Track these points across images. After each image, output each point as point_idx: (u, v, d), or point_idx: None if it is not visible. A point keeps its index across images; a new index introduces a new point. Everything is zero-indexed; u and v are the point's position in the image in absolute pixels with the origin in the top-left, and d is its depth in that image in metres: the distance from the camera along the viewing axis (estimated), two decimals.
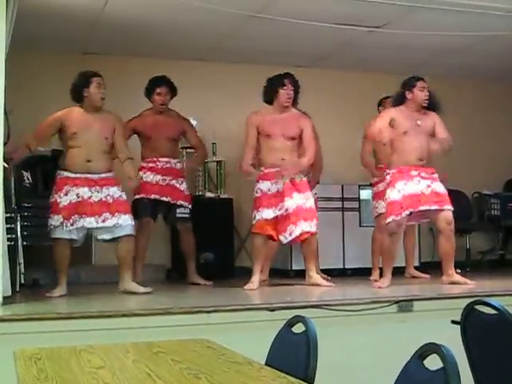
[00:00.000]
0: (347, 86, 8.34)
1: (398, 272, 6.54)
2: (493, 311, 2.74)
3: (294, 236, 6.01)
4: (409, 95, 6.12)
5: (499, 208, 8.61)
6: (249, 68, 8.04)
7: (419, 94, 6.09)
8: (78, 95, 5.75)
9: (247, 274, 6.20)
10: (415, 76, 6.19)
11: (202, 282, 6.50)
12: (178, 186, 6.57)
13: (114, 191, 5.69)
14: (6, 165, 5.18)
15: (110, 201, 5.63)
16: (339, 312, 4.74)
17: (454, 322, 3.11)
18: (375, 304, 4.90)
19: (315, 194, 6.92)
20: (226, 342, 2.68)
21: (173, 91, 6.60)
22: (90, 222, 5.55)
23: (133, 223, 5.74)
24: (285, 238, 6.04)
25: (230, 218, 7.64)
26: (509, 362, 2.67)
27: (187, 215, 6.62)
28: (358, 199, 7.80)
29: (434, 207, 5.98)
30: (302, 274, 6.52)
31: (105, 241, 5.75)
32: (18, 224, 5.91)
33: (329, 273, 7.03)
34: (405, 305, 4.96)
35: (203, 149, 6.86)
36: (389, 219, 6.00)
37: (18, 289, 5.54)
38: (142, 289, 5.65)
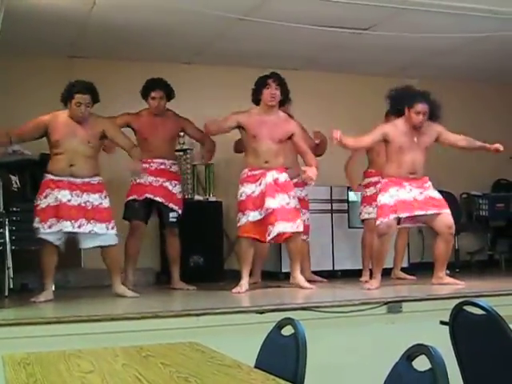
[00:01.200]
0: (336, 88, 8.36)
1: (386, 273, 6.54)
2: (481, 311, 2.75)
3: (272, 236, 5.98)
4: (407, 113, 6.07)
5: (487, 208, 8.65)
6: (237, 71, 8.03)
7: (414, 118, 6.03)
8: (64, 102, 5.72)
9: (237, 277, 6.19)
10: (417, 94, 6.11)
11: (185, 287, 6.41)
12: (170, 188, 6.46)
13: (95, 198, 5.65)
14: None
15: (89, 207, 5.59)
16: (328, 314, 4.75)
17: (442, 322, 3.12)
18: (364, 305, 4.92)
19: (306, 195, 6.95)
20: (215, 344, 2.68)
21: (169, 94, 6.52)
22: (66, 225, 5.50)
23: (113, 232, 5.69)
24: (264, 238, 6.04)
25: (220, 221, 7.63)
26: (497, 362, 2.68)
27: (178, 219, 6.52)
28: (347, 201, 7.81)
29: (430, 211, 6.01)
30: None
31: (87, 249, 5.80)
32: (7, 228, 5.89)
33: (319, 275, 7.03)
34: (394, 306, 4.98)
35: (209, 139, 6.62)
36: (378, 221, 6.03)
37: (6, 293, 5.52)
38: (130, 293, 5.70)
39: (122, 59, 7.59)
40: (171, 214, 6.48)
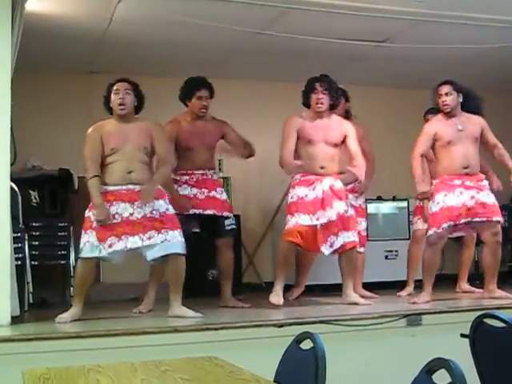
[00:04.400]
0: (355, 101, 8.34)
1: (416, 286, 6.45)
2: (502, 324, 2.73)
3: (335, 247, 5.67)
4: (437, 102, 5.98)
5: (507, 220, 8.57)
6: (255, 84, 8.06)
7: (438, 101, 5.94)
8: (108, 107, 5.36)
9: (255, 290, 6.17)
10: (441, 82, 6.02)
11: (239, 305, 5.90)
12: (218, 196, 5.95)
13: (160, 204, 5.16)
14: (13, 185, 5.20)
15: (156, 216, 5.10)
16: (348, 327, 4.72)
17: (462, 335, 3.10)
18: (384, 318, 4.88)
19: (363, 202, 6.72)
20: (234, 359, 2.67)
21: (212, 94, 6.02)
22: (134, 241, 5.03)
23: (183, 240, 5.16)
24: (326, 250, 5.66)
25: (238, 234, 7.60)
26: None
27: (235, 226, 6.12)
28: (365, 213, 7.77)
29: (477, 219, 5.79)
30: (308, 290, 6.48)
31: (153, 260, 5.20)
32: (26, 243, 5.94)
33: (338, 287, 6.98)
34: (413, 319, 4.94)
35: (251, 146, 6.11)
36: (430, 231, 5.84)
37: (26, 308, 5.55)
38: (191, 313, 5.17)
39: (141, 74, 7.55)
40: (227, 222, 5.97)
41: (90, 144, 5.22)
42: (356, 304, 5.75)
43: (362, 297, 6.06)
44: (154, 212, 5.11)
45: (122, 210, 5.08)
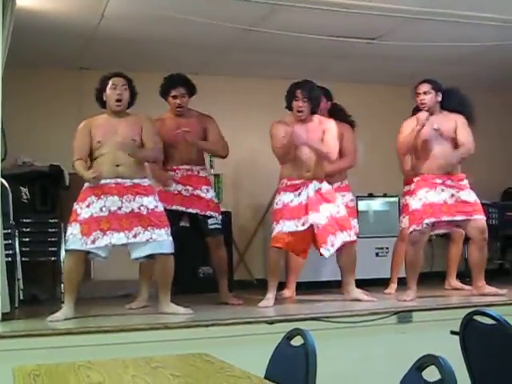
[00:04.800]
0: (346, 98, 8.34)
1: (402, 282, 6.46)
2: (492, 321, 2.74)
3: (336, 247, 5.58)
4: (416, 101, 5.98)
5: (497, 217, 8.60)
6: (245, 81, 8.05)
7: (417, 100, 5.94)
8: (100, 101, 5.27)
9: (246, 287, 6.17)
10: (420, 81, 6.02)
11: (236, 302, 5.92)
12: (203, 195, 5.88)
13: (149, 201, 5.08)
14: (3, 181, 5.18)
15: (144, 212, 5.01)
16: (338, 324, 4.74)
17: (453, 332, 3.11)
18: (374, 315, 4.90)
19: (351, 200, 6.56)
20: (224, 355, 2.68)
21: (191, 91, 5.98)
22: (119, 238, 4.93)
23: (170, 239, 5.10)
24: (327, 251, 5.57)
25: (229, 231, 7.60)
26: (508, 373, 2.66)
27: (219, 226, 6.00)
28: (356, 210, 7.77)
29: (458, 217, 5.78)
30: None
31: (138, 259, 5.18)
32: (17, 240, 5.91)
33: (329, 284, 6.99)
34: (404, 316, 4.96)
35: (220, 145, 6.00)
36: (411, 229, 5.83)
37: (16, 305, 5.52)
38: (182, 310, 5.16)
39: (131, 70, 7.53)
40: (210, 221, 5.91)
41: (78, 138, 5.16)
42: (359, 300, 5.72)
43: None
44: (142, 208, 5.04)
45: (110, 203, 4.98)
